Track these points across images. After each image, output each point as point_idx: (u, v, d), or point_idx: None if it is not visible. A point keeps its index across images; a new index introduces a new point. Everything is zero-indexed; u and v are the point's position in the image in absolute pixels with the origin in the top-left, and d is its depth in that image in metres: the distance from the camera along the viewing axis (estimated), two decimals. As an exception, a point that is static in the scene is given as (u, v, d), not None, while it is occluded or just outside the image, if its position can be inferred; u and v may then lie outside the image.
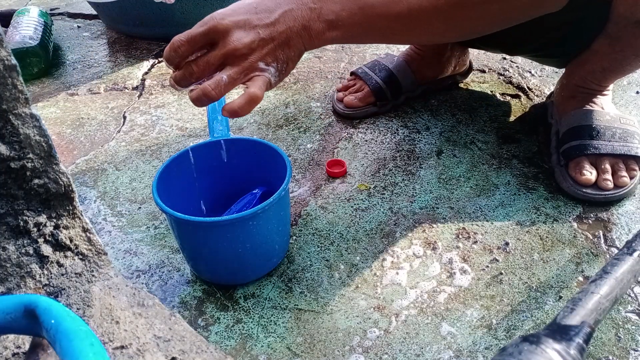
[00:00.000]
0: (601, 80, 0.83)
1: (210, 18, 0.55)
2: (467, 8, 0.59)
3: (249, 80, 0.55)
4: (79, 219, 0.50)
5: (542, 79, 1.08)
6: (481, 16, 0.60)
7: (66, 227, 0.49)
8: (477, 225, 0.76)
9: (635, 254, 0.57)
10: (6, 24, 1.29)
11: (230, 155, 0.74)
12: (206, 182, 0.75)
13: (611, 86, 0.87)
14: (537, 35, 0.83)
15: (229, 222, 0.62)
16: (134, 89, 1.18)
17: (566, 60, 0.88)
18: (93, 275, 0.51)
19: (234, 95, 1.02)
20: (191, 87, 0.57)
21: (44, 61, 1.22)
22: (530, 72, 1.10)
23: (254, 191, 0.72)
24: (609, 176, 0.77)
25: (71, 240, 0.50)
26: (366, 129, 0.97)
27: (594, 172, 0.78)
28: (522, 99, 1.03)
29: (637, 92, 1.02)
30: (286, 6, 0.55)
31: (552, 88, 1.02)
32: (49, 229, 0.48)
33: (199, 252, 0.67)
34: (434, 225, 0.77)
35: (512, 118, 0.98)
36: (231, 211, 0.71)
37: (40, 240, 0.48)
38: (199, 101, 0.55)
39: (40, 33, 1.23)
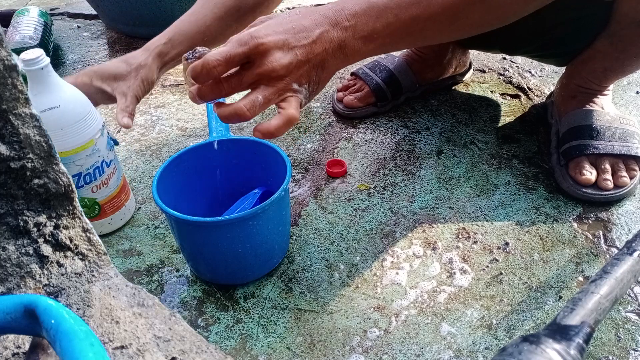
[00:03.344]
0: (602, 80, 0.83)
1: (250, 37, 0.53)
2: None
3: (283, 100, 0.54)
4: (79, 219, 0.50)
5: (542, 79, 1.08)
6: None
7: (66, 227, 0.49)
8: (477, 225, 0.76)
9: (635, 254, 0.57)
10: (6, 24, 1.29)
11: (231, 155, 0.74)
12: (206, 182, 0.75)
13: (611, 86, 0.87)
14: (538, 34, 0.83)
15: (228, 222, 0.62)
16: (134, 89, 1.18)
17: (567, 59, 0.88)
18: (93, 275, 0.51)
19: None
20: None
21: (44, 61, 1.22)
22: (530, 72, 1.10)
23: (254, 191, 0.72)
24: (609, 176, 0.77)
25: (71, 240, 0.50)
26: (366, 129, 0.97)
27: (594, 172, 0.78)
28: (522, 99, 1.03)
29: (637, 92, 1.02)
30: (322, 27, 0.54)
31: (552, 88, 1.01)
32: (49, 229, 0.48)
33: (198, 252, 0.67)
34: (434, 225, 0.77)
35: (512, 118, 0.98)
36: (231, 211, 0.71)
37: (40, 240, 0.48)
38: (228, 119, 0.54)
39: (40, 33, 1.23)
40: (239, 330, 0.64)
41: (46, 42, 1.25)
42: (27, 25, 1.24)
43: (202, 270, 0.70)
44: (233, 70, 0.54)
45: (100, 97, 0.77)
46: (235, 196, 0.74)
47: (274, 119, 0.53)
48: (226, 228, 0.63)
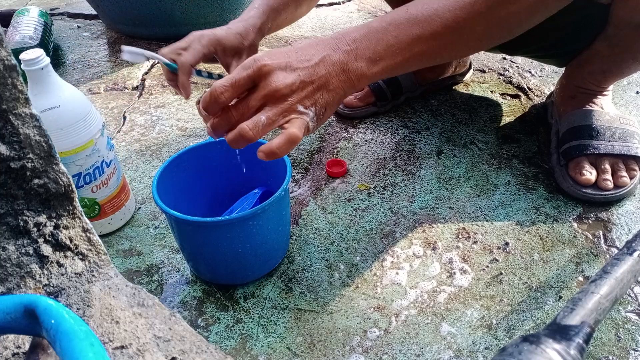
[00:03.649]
0: (601, 82, 0.83)
1: (253, 61, 0.54)
2: (508, 2, 0.56)
3: (287, 122, 0.54)
4: (79, 219, 0.50)
5: (542, 79, 1.08)
6: (523, 8, 0.57)
7: (66, 227, 0.49)
8: (477, 225, 0.76)
9: (635, 254, 0.57)
10: (6, 24, 1.29)
11: (230, 155, 0.74)
12: (206, 182, 0.75)
13: (611, 86, 0.87)
14: (538, 36, 0.83)
15: (228, 222, 0.62)
16: (134, 89, 1.18)
17: (567, 59, 0.88)
18: (93, 275, 0.51)
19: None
20: None
21: (44, 61, 1.22)
22: (530, 72, 1.10)
23: (254, 191, 0.72)
24: (608, 176, 0.77)
25: (71, 240, 0.50)
26: (366, 129, 0.97)
27: (594, 172, 0.78)
28: (522, 99, 1.03)
29: (637, 92, 1.02)
30: (324, 52, 0.55)
31: (552, 88, 1.02)
32: (49, 229, 0.48)
33: (199, 252, 0.67)
34: (434, 225, 0.77)
35: (512, 118, 0.98)
36: (231, 211, 0.71)
37: (40, 240, 0.48)
38: (235, 142, 0.53)
39: (40, 33, 1.23)
40: (239, 330, 0.64)
41: (46, 42, 1.25)
42: (27, 25, 1.24)
43: (202, 270, 0.70)
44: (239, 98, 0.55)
45: (206, 61, 0.76)
46: (235, 196, 0.74)
47: (276, 138, 0.53)
48: (226, 228, 0.63)
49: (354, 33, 0.56)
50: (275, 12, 0.80)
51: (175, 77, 0.71)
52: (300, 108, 0.54)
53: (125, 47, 0.68)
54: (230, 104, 0.55)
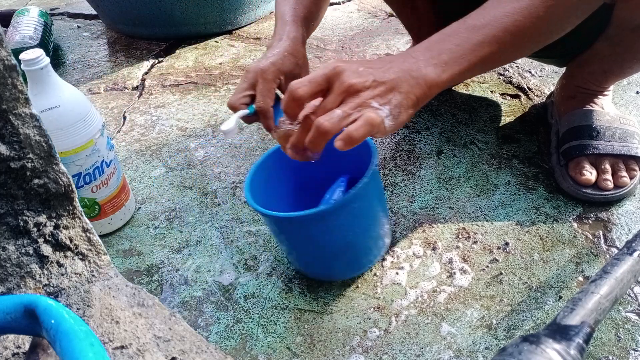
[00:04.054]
0: (602, 82, 0.83)
1: (328, 64, 0.55)
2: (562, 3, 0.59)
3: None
4: (79, 219, 0.50)
5: (542, 79, 1.08)
6: (573, 6, 0.61)
7: (66, 227, 0.49)
8: (477, 225, 0.76)
9: (635, 254, 0.57)
10: (6, 24, 1.29)
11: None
12: (292, 180, 0.72)
13: (612, 87, 0.87)
14: None
15: (335, 208, 0.60)
16: (134, 89, 1.18)
17: (566, 59, 0.88)
18: (93, 275, 0.51)
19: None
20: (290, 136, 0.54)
21: (44, 61, 1.22)
22: (530, 72, 1.10)
23: (340, 180, 0.69)
24: (609, 176, 0.77)
25: (71, 240, 0.50)
26: (366, 129, 0.97)
27: (594, 172, 0.78)
28: (522, 99, 1.03)
29: (637, 92, 1.02)
30: (391, 61, 0.57)
31: (552, 88, 1.02)
32: (49, 229, 0.48)
33: (316, 248, 0.65)
34: (434, 225, 0.77)
35: (512, 118, 0.98)
36: (325, 201, 0.69)
37: (40, 240, 0.48)
38: (314, 142, 0.53)
39: (40, 33, 1.23)
40: (239, 330, 0.64)
41: (46, 42, 1.25)
42: (27, 25, 1.24)
43: (315, 266, 0.68)
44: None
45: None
46: (314, 190, 0.72)
47: (352, 124, 0.53)
48: (336, 213, 0.61)
49: (417, 48, 0.58)
50: (306, 19, 0.82)
51: (255, 119, 0.71)
52: (375, 104, 0.54)
53: (223, 129, 0.66)
54: (309, 113, 0.54)
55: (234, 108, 0.70)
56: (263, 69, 0.70)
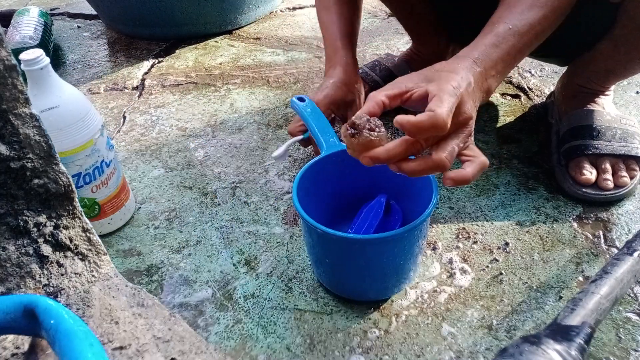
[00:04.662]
0: (604, 82, 0.83)
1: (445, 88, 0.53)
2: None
3: (465, 147, 0.54)
4: (79, 219, 0.50)
5: (542, 79, 1.08)
6: None
7: (66, 227, 0.49)
8: (477, 225, 0.76)
9: (635, 254, 0.57)
10: (6, 24, 1.29)
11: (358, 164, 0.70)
12: (332, 189, 0.71)
13: (613, 87, 0.87)
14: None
15: (403, 233, 0.59)
16: (133, 89, 1.18)
17: (568, 59, 0.88)
18: (93, 275, 0.51)
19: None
20: (351, 132, 0.52)
21: (43, 61, 1.22)
22: (530, 72, 1.10)
23: (380, 199, 0.69)
24: (609, 176, 0.77)
25: (71, 240, 0.50)
26: (366, 129, 0.97)
27: (594, 172, 0.78)
28: (522, 99, 1.03)
29: (637, 92, 1.02)
30: (461, 73, 0.55)
31: (552, 88, 1.01)
32: (48, 229, 0.48)
33: (364, 269, 0.63)
34: (434, 225, 0.77)
35: (512, 118, 0.98)
36: (360, 217, 0.68)
37: (40, 240, 0.47)
38: (417, 173, 0.52)
39: (40, 33, 1.23)
40: (239, 330, 0.64)
41: (46, 42, 1.25)
42: (27, 25, 1.24)
43: (347, 284, 0.66)
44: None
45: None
46: (353, 201, 0.72)
47: (470, 167, 0.52)
48: (403, 238, 0.60)
49: (478, 56, 0.58)
50: (352, 36, 0.88)
51: (309, 144, 0.83)
52: (472, 135, 0.55)
53: (274, 155, 0.78)
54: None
55: (292, 134, 0.82)
56: (317, 102, 0.79)
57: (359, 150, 0.53)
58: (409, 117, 0.49)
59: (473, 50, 0.59)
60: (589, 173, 0.78)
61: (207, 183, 0.88)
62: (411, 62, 1.02)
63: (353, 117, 0.53)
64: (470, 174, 0.51)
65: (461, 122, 0.53)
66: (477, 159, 0.53)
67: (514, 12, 0.61)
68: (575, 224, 0.75)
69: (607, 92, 0.85)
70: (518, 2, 0.61)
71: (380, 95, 0.54)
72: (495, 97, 1.03)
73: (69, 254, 0.49)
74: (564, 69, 0.91)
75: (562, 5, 0.62)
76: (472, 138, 0.55)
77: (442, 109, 0.49)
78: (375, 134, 0.52)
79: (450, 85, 0.52)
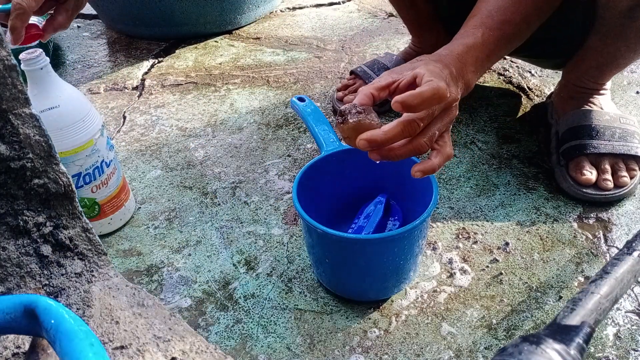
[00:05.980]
0: (597, 78, 0.83)
1: (431, 70, 0.55)
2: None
3: (441, 135, 0.56)
4: (79, 219, 0.50)
5: (542, 79, 1.08)
6: None
7: (66, 227, 0.49)
8: (477, 225, 0.76)
9: (635, 254, 0.57)
10: (6, 24, 1.29)
11: (361, 162, 0.68)
12: (332, 187, 0.71)
13: (609, 85, 0.86)
14: (533, 36, 0.83)
15: (405, 233, 0.59)
16: (133, 89, 1.18)
17: (561, 61, 0.88)
18: (93, 275, 0.51)
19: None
20: (353, 120, 0.53)
21: (43, 61, 1.22)
22: (530, 72, 1.10)
23: (380, 199, 0.70)
24: (609, 176, 0.77)
25: (71, 240, 0.50)
26: (366, 129, 0.97)
27: (594, 172, 0.78)
28: (522, 99, 1.03)
29: (637, 92, 1.02)
30: (449, 67, 0.57)
31: (552, 88, 1.02)
32: (49, 229, 0.48)
33: (365, 269, 0.63)
34: (434, 225, 0.77)
35: (512, 118, 0.98)
36: (361, 217, 0.69)
37: (40, 240, 0.47)
38: (400, 156, 0.54)
39: (40, 33, 1.23)
40: (239, 330, 0.64)
41: (46, 42, 1.24)
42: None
43: (349, 285, 0.66)
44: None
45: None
46: (352, 199, 0.72)
47: (435, 158, 0.55)
48: (404, 238, 0.60)
49: (463, 51, 0.60)
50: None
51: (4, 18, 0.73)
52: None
53: None
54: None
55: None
56: None
57: (352, 136, 0.53)
58: (410, 92, 0.51)
59: (451, 45, 0.61)
60: (589, 173, 0.78)
61: (207, 183, 0.88)
62: (409, 59, 1.02)
63: (340, 107, 0.54)
64: (436, 164, 0.55)
65: (449, 103, 0.54)
66: (443, 150, 0.55)
67: (489, 3, 0.63)
68: (575, 224, 0.75)
69: (602, 91, 0.85)
70: None
71: (369, 88, 0.56)
72: (495, 97, 1.04)
73: (69, 254, 0.49)
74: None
75: None
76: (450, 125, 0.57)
77: (438, 79, 0.52)
78: (363, 116, 0.53)
79: (436, 67, 0.55)
